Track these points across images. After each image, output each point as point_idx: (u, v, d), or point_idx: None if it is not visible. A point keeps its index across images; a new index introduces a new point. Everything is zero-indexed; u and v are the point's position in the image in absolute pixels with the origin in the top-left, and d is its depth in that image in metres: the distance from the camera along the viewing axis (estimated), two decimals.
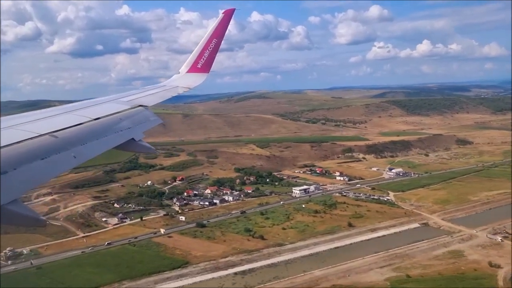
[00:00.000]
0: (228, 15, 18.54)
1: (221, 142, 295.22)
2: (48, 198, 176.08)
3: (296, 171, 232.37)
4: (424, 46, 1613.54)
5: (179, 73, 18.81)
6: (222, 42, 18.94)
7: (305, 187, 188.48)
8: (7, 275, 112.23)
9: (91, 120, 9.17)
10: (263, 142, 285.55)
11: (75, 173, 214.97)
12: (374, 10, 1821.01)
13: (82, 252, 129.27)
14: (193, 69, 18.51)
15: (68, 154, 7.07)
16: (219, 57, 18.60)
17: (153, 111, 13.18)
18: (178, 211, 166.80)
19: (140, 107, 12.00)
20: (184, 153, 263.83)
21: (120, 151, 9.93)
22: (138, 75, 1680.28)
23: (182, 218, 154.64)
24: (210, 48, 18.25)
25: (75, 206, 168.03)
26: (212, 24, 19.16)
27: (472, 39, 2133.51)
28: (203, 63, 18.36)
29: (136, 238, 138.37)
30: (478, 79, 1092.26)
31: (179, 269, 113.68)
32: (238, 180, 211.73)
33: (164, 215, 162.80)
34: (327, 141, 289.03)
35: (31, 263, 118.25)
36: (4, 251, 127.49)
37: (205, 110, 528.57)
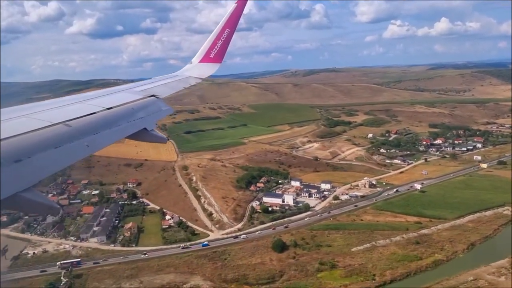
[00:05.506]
0: (241, 5, 18.34)
1: (386, 103, 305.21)
2: (316, 144, 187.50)
3: (489, 127, 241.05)
4: (442, 24, 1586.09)
5: (191, 63, 18.67)
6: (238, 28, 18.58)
7: None
8: (401, 196, 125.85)
9: (104, 110, 9.19)
10: (428, 103, 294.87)
11: (299, 126, 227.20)
12: None
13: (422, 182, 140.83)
14: (206, 59, 18.49)
15: (81, 143, 7.13)
16: (233, 36, 18.62)
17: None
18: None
19: (152, 97, 11.99)
20: (361, 112, 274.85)
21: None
22: (150, 56, 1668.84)
23: (478, 157, 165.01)
24: (222, 38, 18.21)
25: (351, 151, 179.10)
26: (231, 4, 19.04)
27: (490, 17, 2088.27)
28: (216, 53, 18.39)
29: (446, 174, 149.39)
30: (494, 58, 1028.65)
31: None
32: (449, 133, 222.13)
33: (442, 157, 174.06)
34: (487, 102, 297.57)
35: (420, 187, 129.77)
36: (362, 182, 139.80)
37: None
